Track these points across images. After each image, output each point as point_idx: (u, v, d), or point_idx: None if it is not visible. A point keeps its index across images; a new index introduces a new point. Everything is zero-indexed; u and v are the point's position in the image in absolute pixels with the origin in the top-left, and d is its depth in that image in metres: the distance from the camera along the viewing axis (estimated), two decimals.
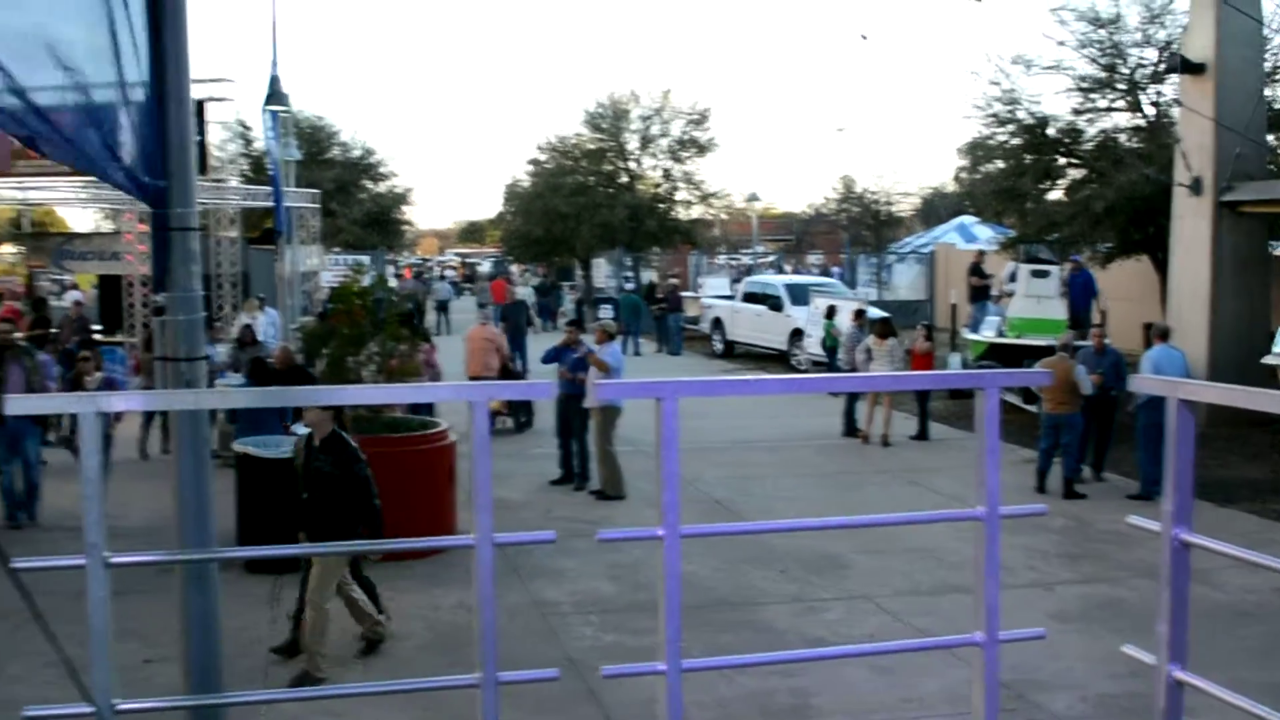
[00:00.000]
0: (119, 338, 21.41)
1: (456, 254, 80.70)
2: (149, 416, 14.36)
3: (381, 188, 46.85)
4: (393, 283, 26.39)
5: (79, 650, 7.44)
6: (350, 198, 42.81)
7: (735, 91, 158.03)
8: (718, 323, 29.41)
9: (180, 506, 4.20)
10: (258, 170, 37.04)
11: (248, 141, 41.07)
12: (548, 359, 13.79)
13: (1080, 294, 19.19)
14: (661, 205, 42.87)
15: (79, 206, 31.37)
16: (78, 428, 10.20)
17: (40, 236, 30.98)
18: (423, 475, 10.50)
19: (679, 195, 43.79)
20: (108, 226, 31.91)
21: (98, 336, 20.39)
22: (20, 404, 2.60)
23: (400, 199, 48.25)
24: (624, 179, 43.24)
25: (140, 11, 4.38)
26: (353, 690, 6.77)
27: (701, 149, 42.88)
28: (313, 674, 7.43)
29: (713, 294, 32.25)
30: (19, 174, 23.30)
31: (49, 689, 7.21)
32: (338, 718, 6.88)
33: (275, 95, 21.82)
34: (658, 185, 43.49)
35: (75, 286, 31.93)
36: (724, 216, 49.45)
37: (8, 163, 22.89)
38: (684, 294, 32.73)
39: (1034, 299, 18.74)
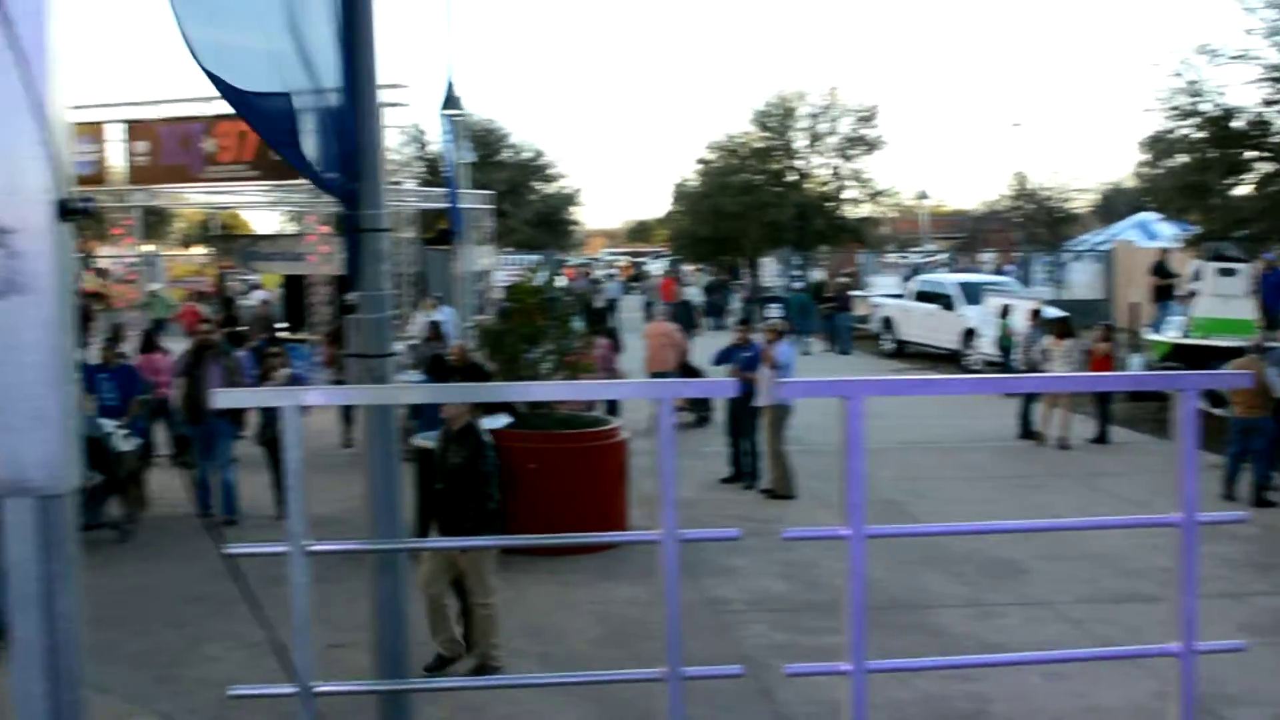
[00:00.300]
0: (303, 335, 22.18)
1: (620, 253, 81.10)
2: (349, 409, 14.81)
3: (551, 188, 47.60)
4: (560, 282, 26.76)
5: (278, 632, 7.68)
6: (521, 199, 43.58)
7: (905, 87, 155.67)
8: (888, 322, 29.03)
9: (371, 498, 4.35)
10: (432, 173, 37.98)
11: (422, 145, 42.14)
12: (720, 359, 13.81)
13: (1273, 293, 18.38)
14: (829, 203, 42.47)
15: (265, 209, 32.58)
16: (270, 425, 10.56)
17: (229, 238, 32.25)
18: (594, 471, 10.64)
19: (847, 193, 43.35)
20: (292, 228, 33.07)
21: (284, 334, 21.15)
22: (227, 398, 2.72)
23: (569, 199, 48.96)
24: (792, 177, 42.98)
25: (333, 22, 4.55)
26: (538, 680, 6.89)
27: (870, 146, 42.35)
28: (490, 664, 7.58)
29: (882, 293, 31.84)
30: (209, 179, 24.33)
31: (242, 669, 7.55)
32: (516, 706, 7.03)
33: (451, 101, 22.35)
34: (825, 183, 43.11)
35: (259, 286, 33.22)
36: (893, 214, 48.74)
37: (200, 168, 23.96)
38: (852, 293, 32.39)
39: (1220, 298, 18.02)
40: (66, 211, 1.75)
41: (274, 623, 7.95)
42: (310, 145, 4.52)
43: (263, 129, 4.51)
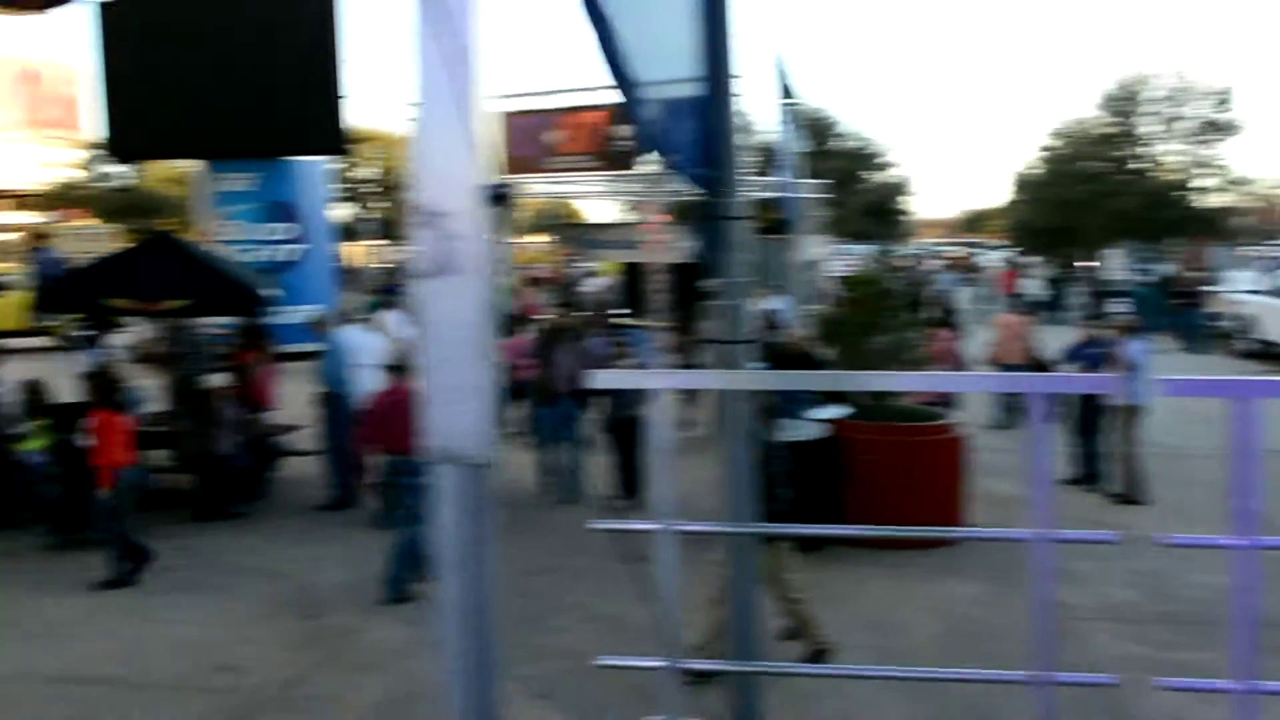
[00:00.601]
0: (642, 321, 22.71)
1: (950, 243, 78.80)
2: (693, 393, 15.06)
3: (881, 177, 47.03)
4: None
5: (620, 606, 7.88)
6: (850, 188, 43.22)
7: (1264, 67, 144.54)
8: (1247, 319, 27.07)
9: (726, 482, 4.41)
10: (763, 162, 38.16)
11: (751, 134, 42.38)
12: (1070, 356, 13.25)
13: None
14: (1180, 193, 39.99)
15: (603, 199, 33.59)
16: (620, 408, 10.79)
17: (570, 226, 33.44)
18: (931, 465, 10.43)
19: (1200, 181, 40.68)
20: (629, 217, 33.93)
21: (625, 320, 21.73)
22: (603, 378, 2.81)
23: (899, 188, 48.25)
24: (1139, 165, 40.72)
25: (694, 13, 4.63)
26: (890, 673, 6.80)
27: (1225, 131, 39.60)
28: (820, 647, 7.52)
29: (1241, 288, 29.73)
30: (552, 169, 25.33)
31: (587, 641, 7.84)
32: (847, 699, 6.98)
33: (787, 90, 22.37)
34: (1176, 171, 40.63)
35: (595, 273, 34.34)
36: (1253, 204, 45.40)
37: (544, 159, 24.97)
38: (1205, 288, 30.40)
39: None
40: (491, 197, 1.85)
41: (625, 598, 8.17)
42: (671, 133, 4.63)
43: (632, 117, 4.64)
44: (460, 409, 1.81)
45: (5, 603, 9.29)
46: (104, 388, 10.09)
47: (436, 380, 1.81)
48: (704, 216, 4.87)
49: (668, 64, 4.61)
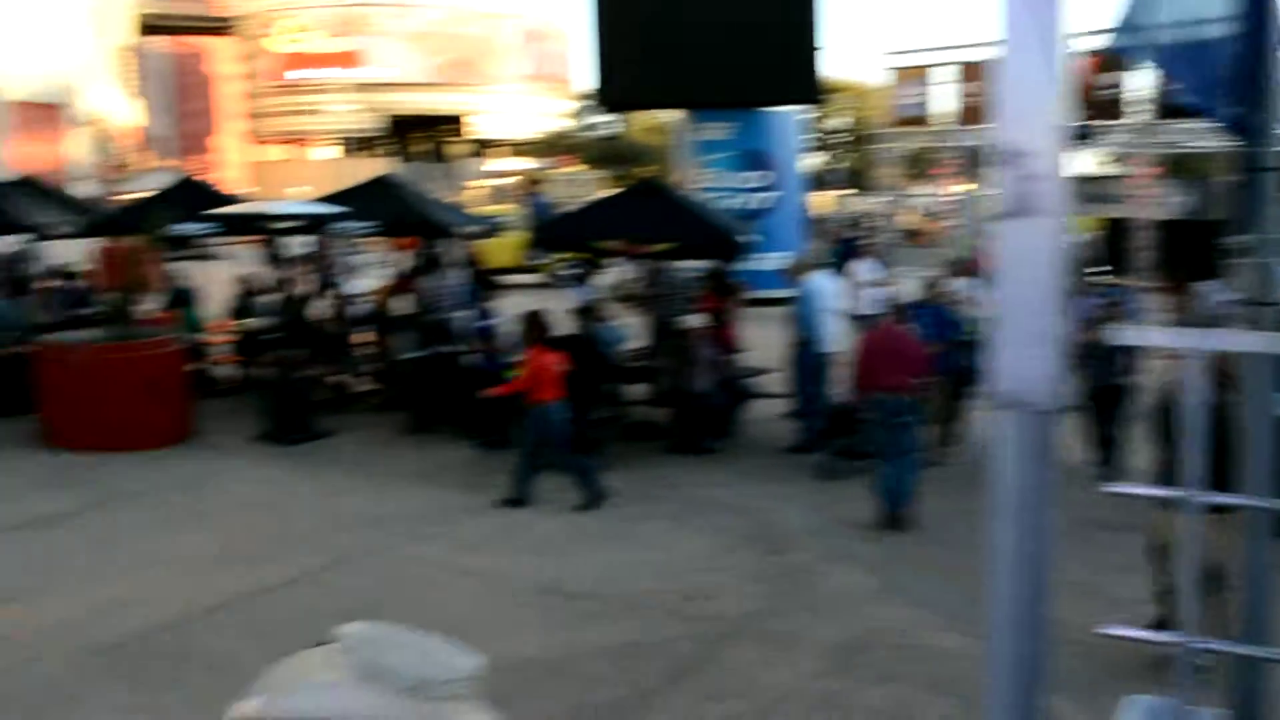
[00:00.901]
0: (1123, 280, 21.50)
1: None
2: None
3: None
4: None
5: (1085, 573, 7.54)
6: None
7: None
8: None
9: (1248, 451, 4.11)
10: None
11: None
12: None
13: None
14: None
15: (1087, 150, 31.93)
16: (1105, 372, 10.16)
17: None
18: None
19: None
20: (1112, 170, 32.14)
21: (1105, 279, 20.66)
22: (1126, 335, 2.67)
23: None
24: None
25: None
26: None
27: None
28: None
29: None
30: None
31: (1058, 608, 7.56)
32: None
33: None
34: None
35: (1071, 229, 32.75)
36: None
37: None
38: None
39: None
40: (1073, 136, 1.79)
41: (1091, 564, 7.84)
42: (1198, 74, 4.34)
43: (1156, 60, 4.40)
44: (1030, 354, 1.77)
45: (500, 519, 10.14)
46: (536, 327, 10.72)
47: (1008, 324, 1.78)
48: (1237, 166, 4.53)
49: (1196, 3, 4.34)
